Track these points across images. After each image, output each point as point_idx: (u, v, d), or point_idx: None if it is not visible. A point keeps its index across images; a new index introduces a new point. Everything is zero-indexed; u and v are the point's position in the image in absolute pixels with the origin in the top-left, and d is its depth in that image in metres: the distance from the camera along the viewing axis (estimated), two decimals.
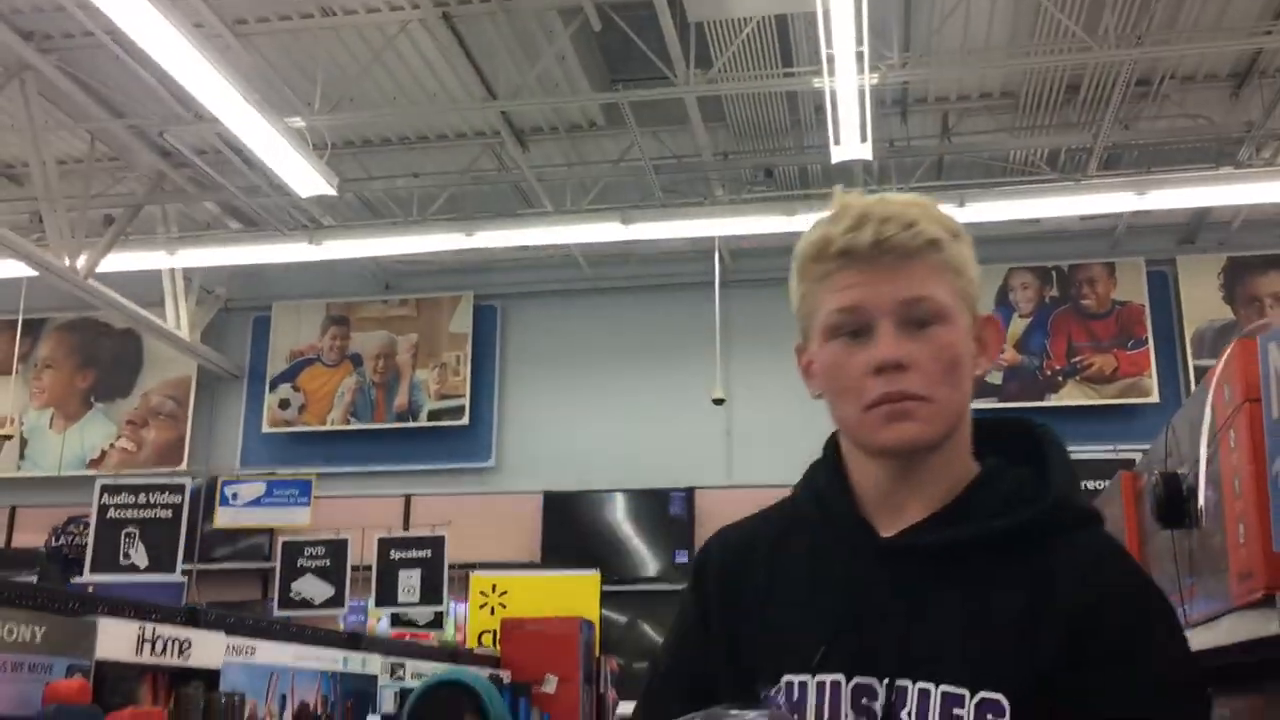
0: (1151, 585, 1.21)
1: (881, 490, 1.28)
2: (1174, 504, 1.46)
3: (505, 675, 6.14)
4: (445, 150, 9.10)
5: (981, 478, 1.26)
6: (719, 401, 9.39)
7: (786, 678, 1.23)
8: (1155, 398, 9.56)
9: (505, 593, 7.11)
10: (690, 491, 9.67)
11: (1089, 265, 10.07)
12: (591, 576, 7.74)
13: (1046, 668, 1.14)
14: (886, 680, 1.19)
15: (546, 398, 10.38)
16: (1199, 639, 1.40)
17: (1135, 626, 1.15)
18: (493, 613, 7.03)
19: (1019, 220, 8.78)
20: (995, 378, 9.89)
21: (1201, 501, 1.35)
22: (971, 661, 1.16)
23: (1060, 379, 9.89)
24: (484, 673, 5.92)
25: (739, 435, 9.93)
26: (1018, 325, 10.06)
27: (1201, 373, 9.44)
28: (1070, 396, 9.79)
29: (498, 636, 6.68)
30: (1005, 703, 1.13)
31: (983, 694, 1.13)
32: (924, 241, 1.22)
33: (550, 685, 6.28)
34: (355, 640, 4.83)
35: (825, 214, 1.29)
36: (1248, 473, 1.17)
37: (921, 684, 1.16)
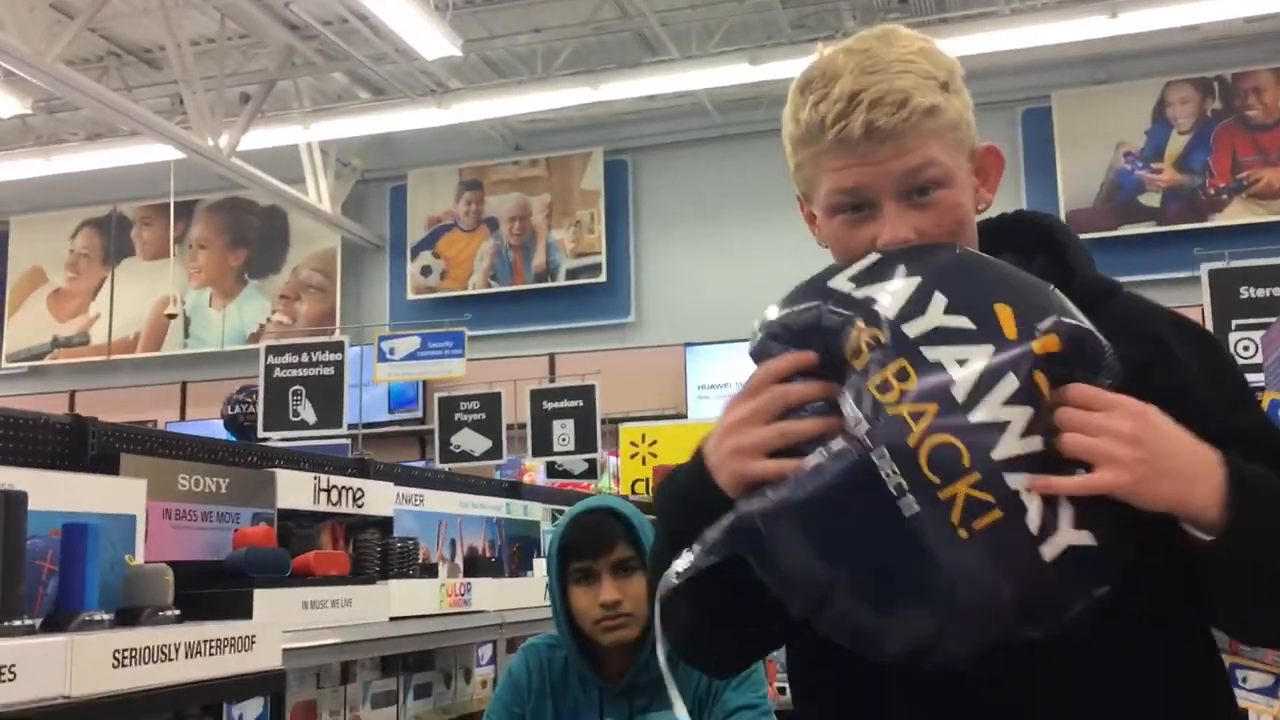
0: (1191, 322, 1.22)
1: None
2: None
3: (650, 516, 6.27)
4: (566, 2, 8.93)
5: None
6: None
7: None
8: None
9: (655, 442, 7.22)
10: None
11: (1255, 73, 9.41)
12: None
13: None
14: None
15: (682, 250, 10.32)
16: None
17: (1202, 352, 1.18)
18: (644, 462, 7.14)
19: (1176, 28, 8.20)
20: (1153, 199, 9.42)
21: None
22: None
23: (1225, 197, 9.36)
24: None
25: None
26: (1177, 143, 9.52)
27: None
28: (1236, 215, 9.27)
29: (650, 484, 6.81)
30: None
31: None
32: (920, 116, 1.16)
33: None
34: (516, 489, 4.98)
35: (805, 75, 1.23)
36: None
37: None
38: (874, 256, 1.16)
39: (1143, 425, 1.03)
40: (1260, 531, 1.04)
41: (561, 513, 5.04)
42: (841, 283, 1.14)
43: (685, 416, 9.52)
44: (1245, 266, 5.80)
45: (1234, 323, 5.50)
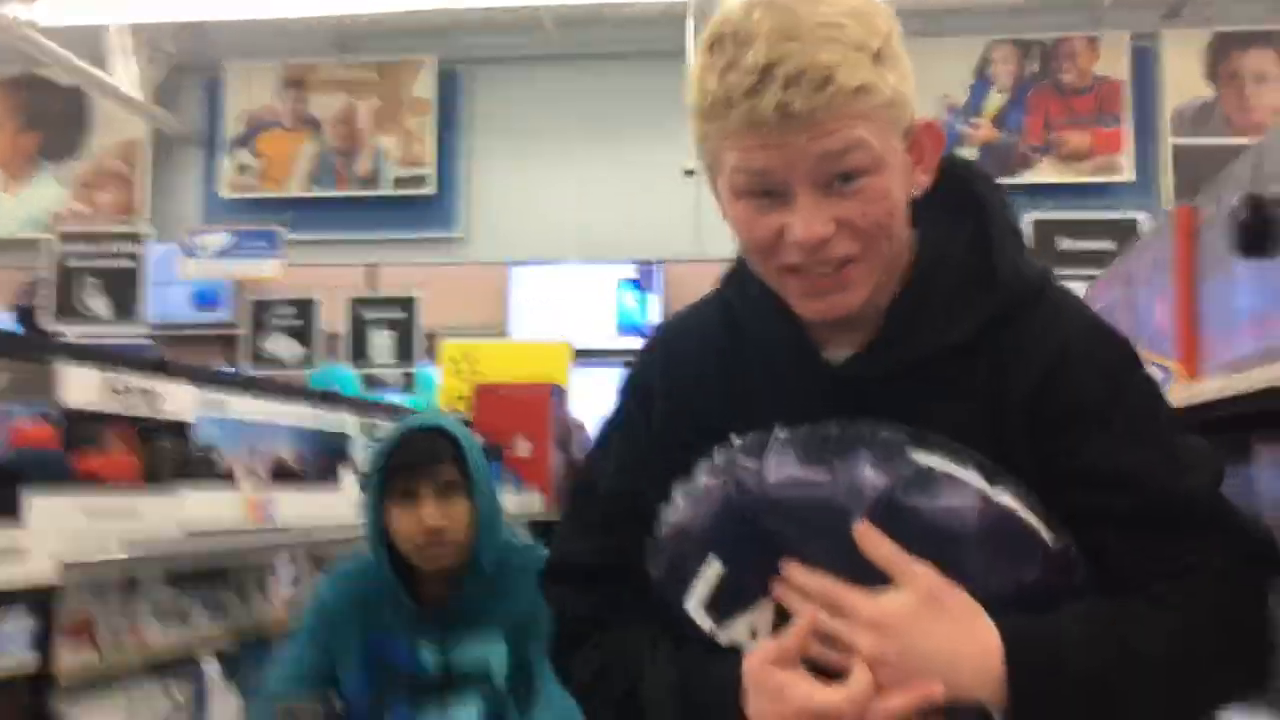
0: (1111, 334, 1.12)
1: None
2: (1260, 229, 1.33)
3: (478, 439, 6.15)
4: None
5: (922, 270, 1.10)
6: (690, 173, 9.15)
7: None
8: (1130, 175, 9.43)
9: (476, 359, 7.05)
10: (657, 264, 9.55)
11: (1071, 39, 9.74)
12: (561, 345, 7.68)
13: (1018, 460, 1.05)
14: None
15: (514, 168, 10.08)
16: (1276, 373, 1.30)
17: (1104, 374, 1.07)
18: (465, 379, 6.98)
19: None
20: (970, 154, 9.69)
21: None
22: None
23: (1036, 156, 9.71)
24: None
25: (709, 207, 9.70)
26: (995, 100, 9.80)
27: (1181, 151, 9.30)
28: (1045, 174, 9.63)
29: (470, 402, 6.66)
30: None
31: None
32: (846, 95, 0.99)
33: (523, 448, 6.31)
34: (328, 398, 4.76)
35: (715, 29, 1.04)
36: None
37: None
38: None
39: (883, 640, 0.98)
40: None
41: (375, 425, 4.89)
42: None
43: (506, 335, 9.38)
44: (1068, 219, 6.01)
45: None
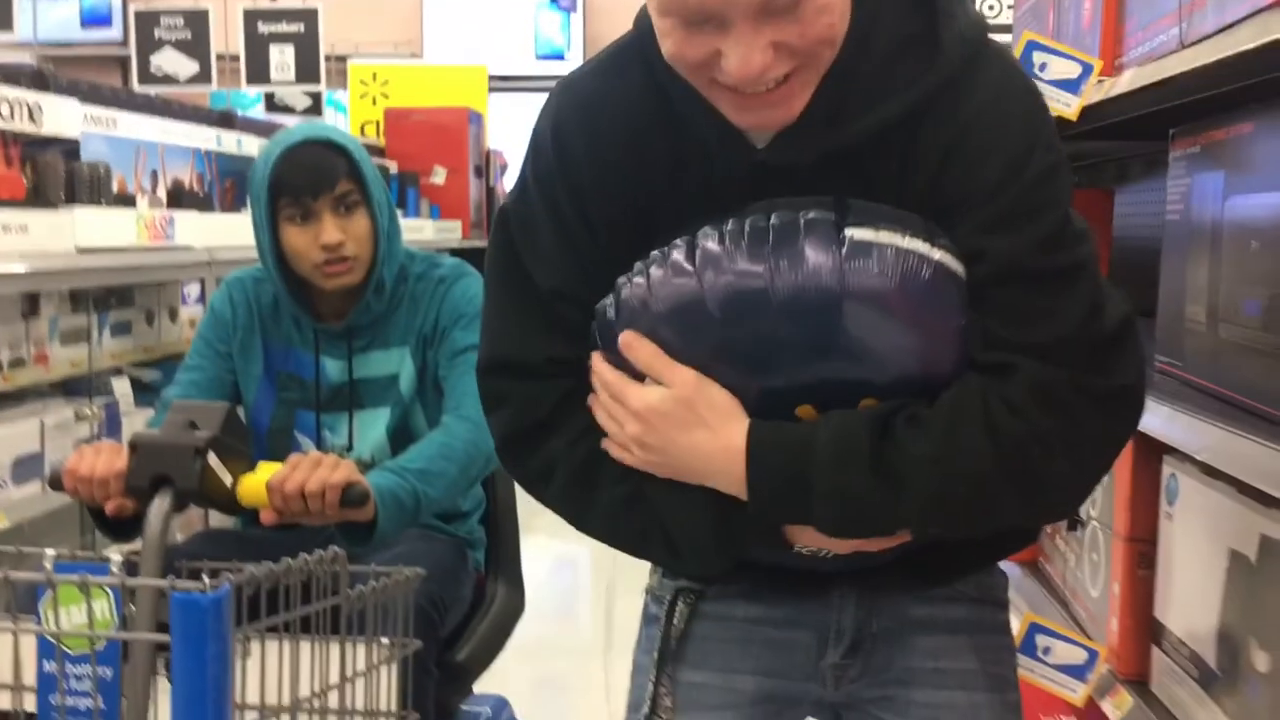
0: (1019, 113, 1.02)
1: None
2: None
3: (391, 165, 5.98)
4: None
5: (851, 43, 1.00)
6: None
7: None
8: None
9: (387, 82, 6.77)
10: None
11: None
12: (478, 68, 7.39)
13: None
14: None
15: None
16: (1195, 57, 1.25)
17: (1002, 148, 1.00)
18: (374, 103, 6.72)
19: None
20: None
21: None
22: None
23: None
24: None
25: None
26: None
27: None
28: None
29: (381, 128, 6.43)
30: None
31: None
32: None
33: (439, 176, 6.16)
34: (228, 119, 4.55)
35: None
36: None
37: None
38: None
39: (645, 429, 1.05)
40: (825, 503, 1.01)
41: None
42: None
43: (421, 56, 9.00)
44: None
45: None
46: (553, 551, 4.36)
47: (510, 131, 9.02)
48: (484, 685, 2.05)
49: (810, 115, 1.01)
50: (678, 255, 1.03)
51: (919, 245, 0.98)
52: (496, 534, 2.15)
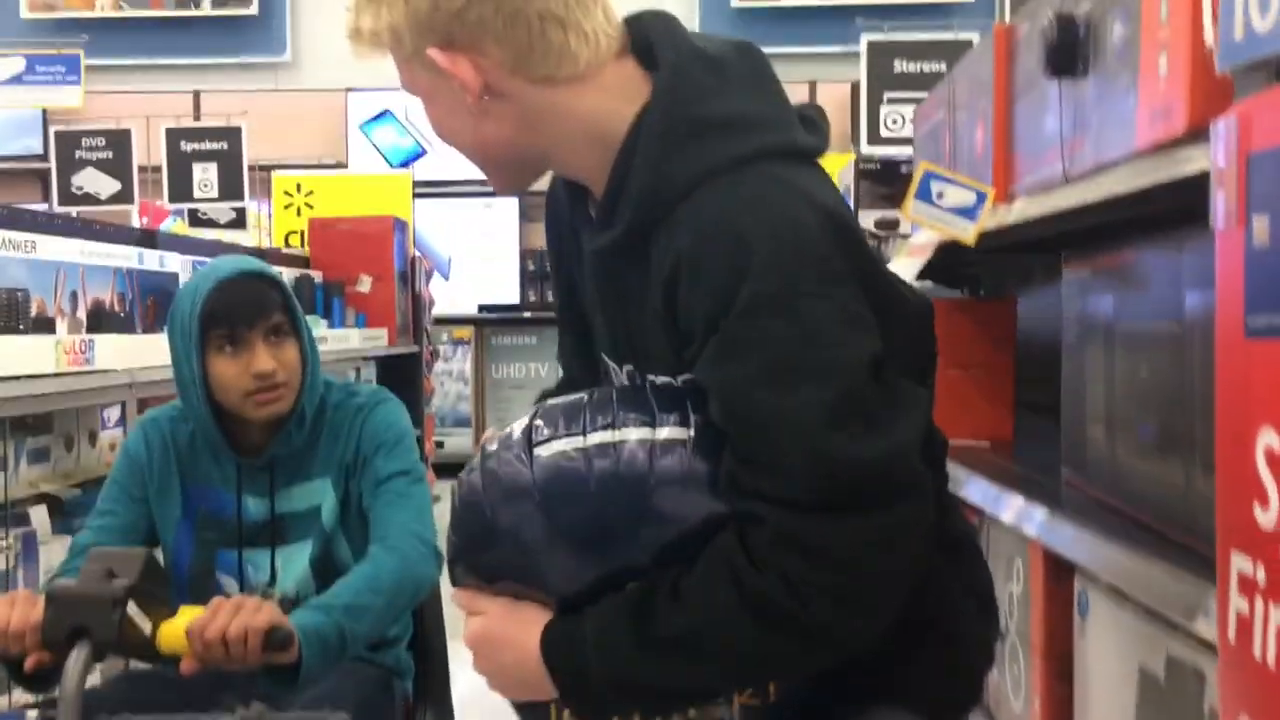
0: (734, 240, 1.00)
1: (580, 181, 1.20)
2: (1068, 48, 1.33)
3: (317, 275, 5.97)
4: None
5: (621, 154, 1.08)
6: None
7: (603, 357, 1.22)
8: None
9: (311, 193, 6.79)
10: None
11: None
12: (403, 176, 7.45)
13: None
14: (629, 368, 1.17)
15: None
16: (1079, 194, 1.32)
17: (704, 293, 1.01)
18: (299, 213, 6.73)
19: None
20: None
21: (1115, 38, 1.22)
22: (665, 356, 1.10)
23: None
24: (294, 273, 5.73)
25: None
26: None
27: None
28: None
29: (306, 237, 6.44)
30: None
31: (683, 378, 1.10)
32: (351, 36, 1.16)
33: (364, 284, 6.16)
34: (150, 238, 4.53)
35: None
36: None
37: (649, 375, 1.13)
38: None
39: (477, 644, 1.13)
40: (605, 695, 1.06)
41: (203, 264, 4.69)
42: None
43: (346, 166, 9.04)
44: (902, 40, 6.02)
45: (886, 95, 5.74)
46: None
47: (436, 236, 9.09)
48: None
49: (599, 213, 1.13)
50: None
51: (605, 436, 1.04)
52: (425, 661, 2.12)
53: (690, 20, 9.03)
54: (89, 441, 3.62)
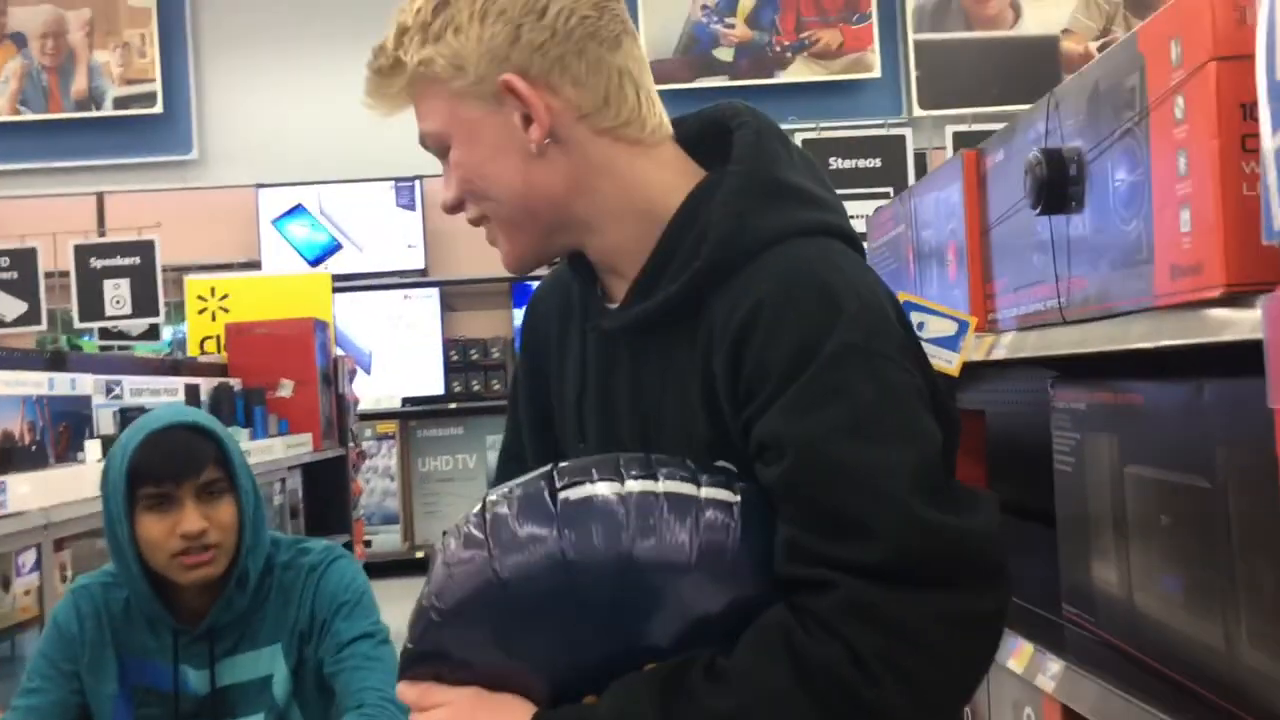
0: (815, 297, 0.98)
1: (603, 260, 1.14)
2: (1058, 186, 1.28)
3: (235, 383, 5.77)
4: None
5: (672, 225, 1.07)
6: None
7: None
8: (877, 73, 9.66)
9: (226, 295, 6.59)
10: (417, 179, 9.19)
11: None
12: (321, 275, 7.29)
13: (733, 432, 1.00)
14: None
15: (251, 80, 9.42)
16: (1082, 337, 1.26)
17: (784, 345, 0.96)
18: (214, 318, 6.53)
19: None
20: (726, 54, 9.71)
21: (1117, 180, 1.16)
22: (689, 439, 1.02)
23: (789, 55, 9.80)
24: (212, 382, 5.53)
25: None
26: None
27: (923, 48, 9.58)
28: (799, 73, 9.75)
29: (222, 343, 6.23)
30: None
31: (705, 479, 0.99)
32: (385, 72, 1.10)
33: (286, 390, 5.97)
34: (60, 359, 4.33)
35: None
36: (1208, 148, 0.98)
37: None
38: None
39: None
40: None
41: (119, 383, 4.48)
42: None
43: (260, 266, 8.85)
44: (836, 138, 6.09)
45: None
46: None
47: (355, 330, 8.91)
48: None
49: (635, 287, 1.08)
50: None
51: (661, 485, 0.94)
52: None
53: None
54: (2, 588, 3.40)
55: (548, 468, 0.98)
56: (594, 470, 0.95)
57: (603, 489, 0.93)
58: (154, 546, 1.77)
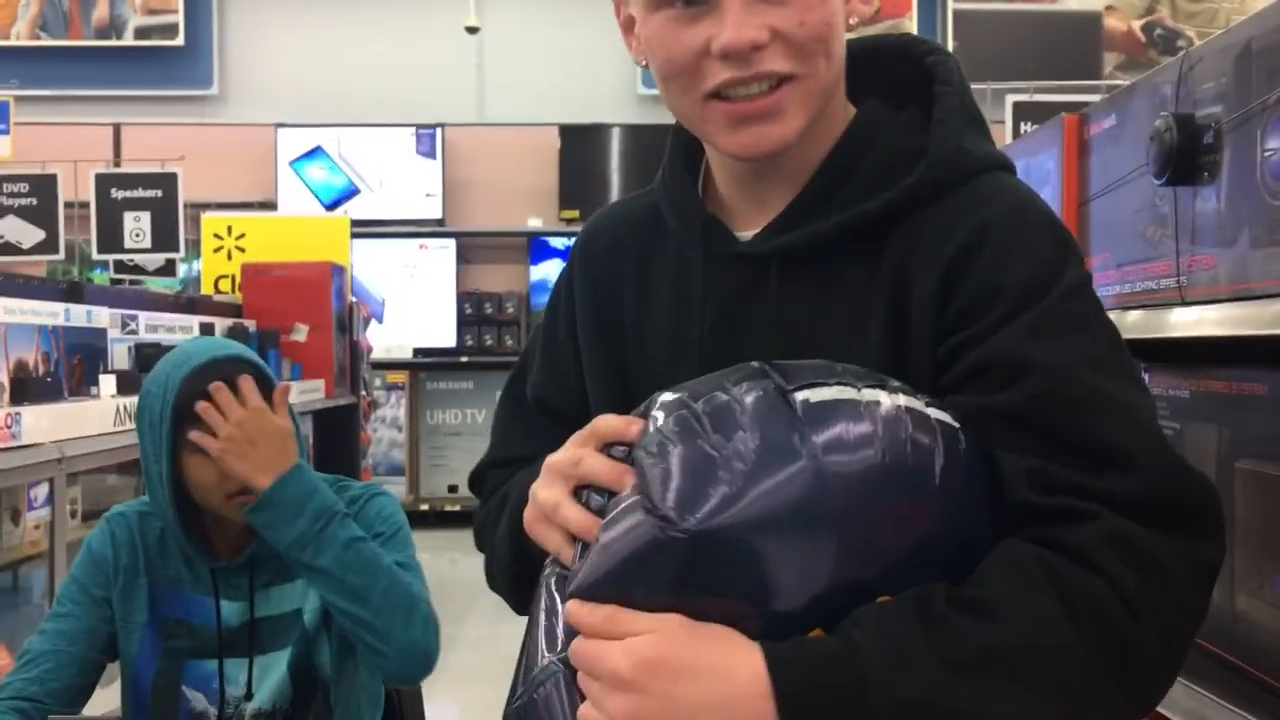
0: (1050, 228, 0.93)
1: (740, 181, 1.03)
2: (1190, 154, 1.18)
3: (250, 324, 5.68)
4: None
5: (849, 140, 0.99)
6: (472, 30, 8.65)
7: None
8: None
9: (243, 235, 6.49)
10: (439, 128, 9.05)
11: None
12: (340, 219, 7.18)
13: (917, 365, 0.91)
14: None
15: (276, 17, 9.27)
16: (1204, 319, 1.17)
17: (1019, 265, 0.89)
18: (230, 257, 6.43)
19: None
20: None
21: (1268, 151, 1.07)
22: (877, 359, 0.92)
23: None
24: (226, 322, 5.44)
25: (492, 68, 9.27)
26: None
27: (963, 17, 9.41)
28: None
29: (237, 283, 6.14)
30: None
31: None
32: None
33: (301, 334, 5.88)
34: (76, 291, 4.24)
35: None
36: None
37: None
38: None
39: (647, 674, 0.78)
40: None
41: (134, 318, 4.40)
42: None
43: (275, 207, 8.74)
44: None
45: None
46: None
47: (370, 277, 8.82)
48: None
49: (795, 205, 0.98)
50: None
51: (899, 400, 0.82)
52: None
53: (599, 111, 8.94)
54: (11, 520, 3.33)
55: (754, 364, 0.84)
56: (825, 374, 0.83)
57: (850, 394, 0.81)
58: (208, 490, 1.71)
